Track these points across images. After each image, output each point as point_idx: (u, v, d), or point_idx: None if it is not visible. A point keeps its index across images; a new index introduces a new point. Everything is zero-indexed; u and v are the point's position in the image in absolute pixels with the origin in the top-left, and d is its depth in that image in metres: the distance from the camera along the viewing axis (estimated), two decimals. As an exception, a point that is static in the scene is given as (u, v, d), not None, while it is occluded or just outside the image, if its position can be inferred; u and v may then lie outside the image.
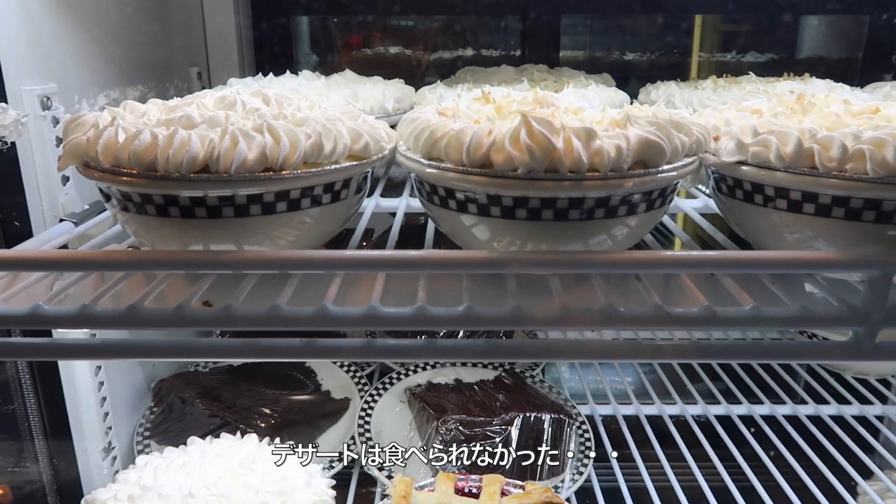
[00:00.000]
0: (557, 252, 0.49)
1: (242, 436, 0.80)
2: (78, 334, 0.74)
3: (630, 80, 1.45)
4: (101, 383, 0.84)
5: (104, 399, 0.84)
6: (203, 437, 0.81)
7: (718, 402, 1.14)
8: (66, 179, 0.75)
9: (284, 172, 0.49)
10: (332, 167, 0.51)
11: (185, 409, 0.91)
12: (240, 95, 0.56)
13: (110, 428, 0.86)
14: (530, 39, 1.35)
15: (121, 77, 0.93)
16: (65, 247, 0.68)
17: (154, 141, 0.48)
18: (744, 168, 0.52)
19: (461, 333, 1.00)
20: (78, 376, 0.80)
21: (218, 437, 0.81)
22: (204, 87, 1.16)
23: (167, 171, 0.47)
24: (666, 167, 0.49)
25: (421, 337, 0.93)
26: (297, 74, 0.89)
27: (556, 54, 1.33)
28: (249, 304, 0.52)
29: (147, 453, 0.84)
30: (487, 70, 1.05)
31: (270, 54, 1.29)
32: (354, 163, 0.53)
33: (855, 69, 1.36)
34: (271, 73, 0.88)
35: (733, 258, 0.48)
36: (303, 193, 0.51)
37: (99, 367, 0.83)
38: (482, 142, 0.48)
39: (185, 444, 0.80)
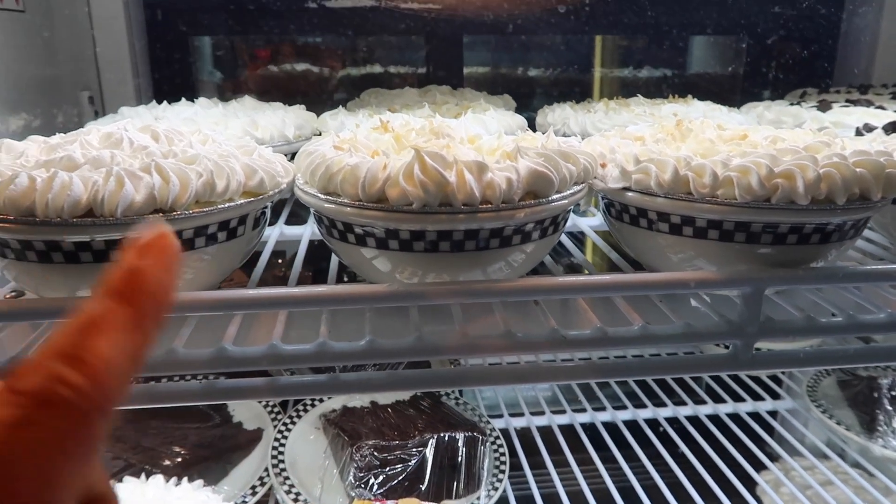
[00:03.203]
0: (456, 283, 0.50)
1: (147, 477, 0.77)
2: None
3: (535, 96, 1.50)
4: (-11, 433, 0.79)
5: (-8, 449, 0.79)
6: (104, 481, 0.77)
7: (626, 408, 1.19)
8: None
9: (175, 213, 0.48)
10: (226, 205, 0.50)
11: (85, 452, 0.86)
12: (127, 132, 0.54)
13: (0, 479, 0.81)
14: (435, 58, 1.37)
15: (0, 105, 0.88)
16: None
17: (32, 185, 0.46)
18: (628, 194, 0.55)
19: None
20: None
21: (121, 481, 0.77)
22: (96, 112, 1.11)
23: (47, 216, 0.45)
24: (555, 196, 0.51)
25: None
26: (193, 101, 0.86)
27: (459, 72, 1.36)
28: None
29: None
30: (391, 92, 1.06)
31: (169, 75, 1.25)
32: (249, 199, 0.52)
33: (738, 84, 1.46)
34: (165, 102, 0.85)
35: (620, 282, 0.51)
36: (196, 233, 0.50)
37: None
38: (377, 177, 0.49)
39: (84, 491, 0.76)
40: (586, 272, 0.66)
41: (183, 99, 0.87)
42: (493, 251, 0.52)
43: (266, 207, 0.58)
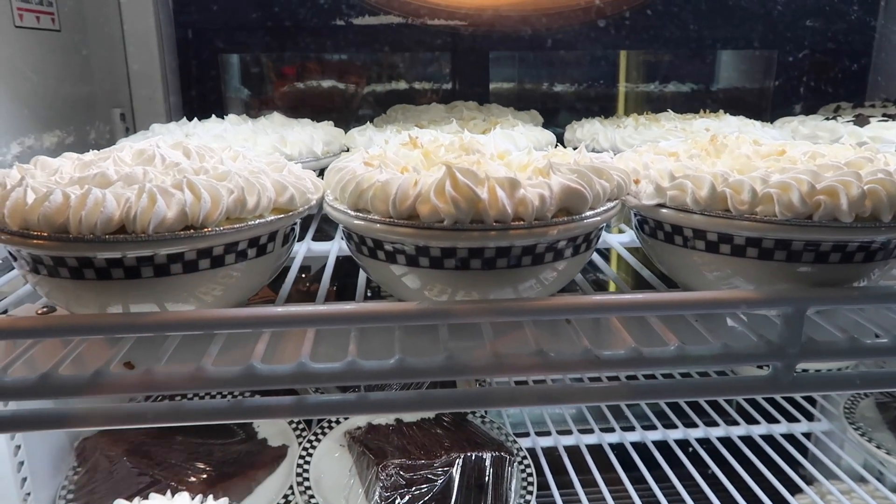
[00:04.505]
0: (487, 301, 0.49)
1: (173, 494, 0.77)
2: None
3: (560, 111, 1.49)
4: (18, 447, 0.79)
5: (21, 464, 0.79)
6: (131, 498, 0.78)
7: (655, 428, 1.17)
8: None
9: (206, 230, 0.47)
10: (256, 222, 0.50)
11: (112, 468, 0.86)
12: (159, 149, 0.54)
13: (29, 494, 0.81)
14: (461, 74, 1.37)
15: (36, 123, 0.89)
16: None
17: (66, 202, 0.46)
18: (663, 211, 0.54)
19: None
20: (-9, 442, 0.75)
21: (146, 497, 0.77)
22: (128, 129, 1.13)
23: (80, 233, 0.45)
24: (589, 213, 0.50)
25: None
26: (223, 118, 0.87)
27: (486, 87, 1.36)
28: (174, 362, 0.50)
29: (70, 518, 0.80)
30: (418, 108, 1.06)
31: (199, 92, 1.27)
32: (279, 216, 0.52)
33: (768, 98, 1.44)
34: (196, 119, 0.86)
35: (657, 301, 0.49)
36: (226, 249, 0.50)
37: (15, 430, 0.78)
38: (408, 193, 0.48)
39: (111, 506, 0.76)
40: (616, 289, 0.65)
41: (213, 116, 0.88)
42: (525, 269, 0.51)
43: (295, 224, 0.57)
